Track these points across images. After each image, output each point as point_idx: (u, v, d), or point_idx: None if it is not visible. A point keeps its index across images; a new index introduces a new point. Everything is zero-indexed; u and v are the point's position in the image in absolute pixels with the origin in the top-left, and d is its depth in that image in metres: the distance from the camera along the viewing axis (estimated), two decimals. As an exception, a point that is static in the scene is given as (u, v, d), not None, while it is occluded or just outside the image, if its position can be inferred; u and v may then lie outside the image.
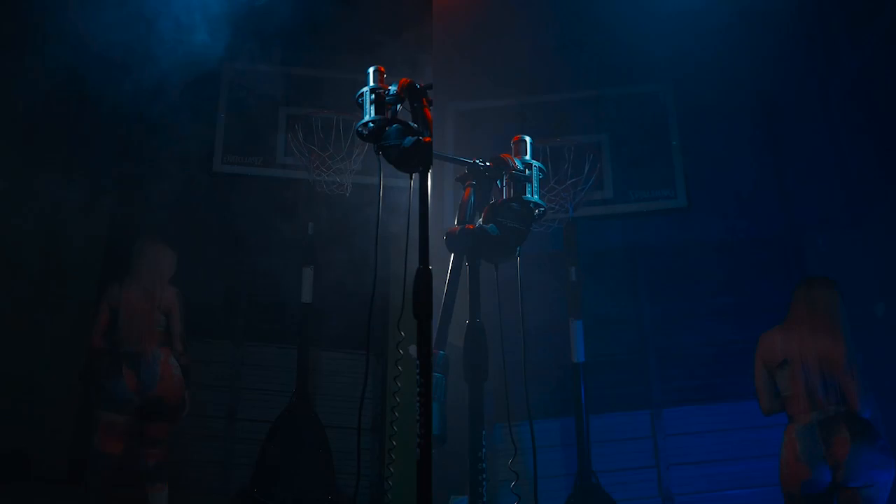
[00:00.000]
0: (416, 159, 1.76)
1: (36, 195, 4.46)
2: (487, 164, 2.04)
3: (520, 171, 2.01)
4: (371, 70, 1.85)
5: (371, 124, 1.81)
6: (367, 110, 1.82)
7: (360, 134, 1.86)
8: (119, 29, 4.14)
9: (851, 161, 4.96)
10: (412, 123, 1.80)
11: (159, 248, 4.25)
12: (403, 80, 1.84)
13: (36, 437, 4.39)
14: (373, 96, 1.82)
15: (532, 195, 2.00)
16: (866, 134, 4.83)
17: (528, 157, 2.05)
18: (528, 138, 2.08)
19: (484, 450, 1.75)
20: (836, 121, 5.04)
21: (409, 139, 1.76)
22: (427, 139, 1.77)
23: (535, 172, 2.04)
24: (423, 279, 1.65)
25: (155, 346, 4.09)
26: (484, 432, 1.78)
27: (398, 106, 1.84)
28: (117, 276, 4.19)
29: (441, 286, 1.85)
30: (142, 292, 4.13)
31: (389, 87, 1.85)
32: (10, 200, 4.31)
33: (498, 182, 2.05)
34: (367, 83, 1.85)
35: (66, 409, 4.55)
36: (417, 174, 1.77)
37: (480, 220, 1.98)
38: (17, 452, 4.38)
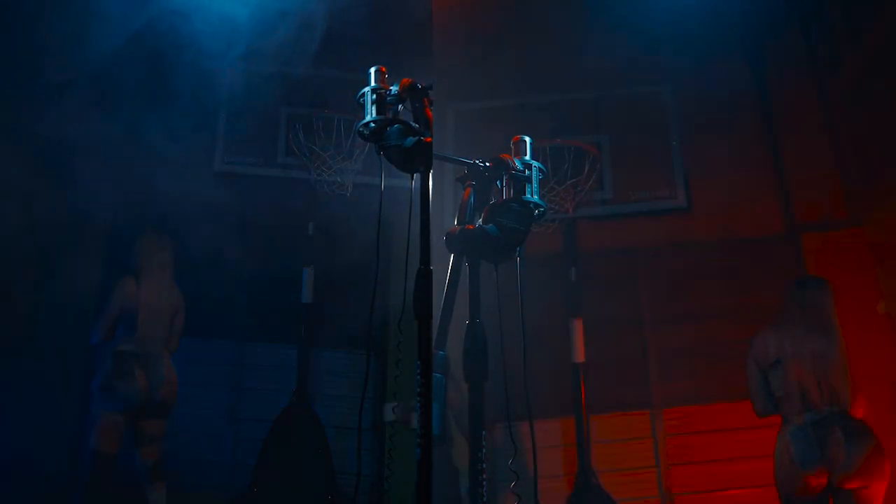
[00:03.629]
0: (417, 159, 1.76)
1: (35, 192, 4.46)
2: (487, 164, 2.04)
3: (520, 171, 2.01)
4: (372, 70, 1.86)
5: (372, 124, 1.81)
6: (369, 110, 1.82)
7: (361, 134, 1.86)
8: (120, 28, 4.15)
9: (851, 161, 4.96)
10: (413, 124, 1.80)
11: (165, 245, 4.26)
12: (405, 80, 1.84)
13: (36, 434, 4.39)
14: (374, 96, 1.83)
15: (532, 195, 2.00)
16: (866, 133, 4.83)
17: (527, 157, 2.04)
18: (527, 138, 2.08)
19: (484, 450, 1.75)
20: (837, 120, 5.05)
21: (411, 139, 1.76)
22: (428, 139, 1.77)
23: (534, 173, 2.04)
24: (424, 279, 1.65)
25: (163, 348, 4.11)
26: (484, 432, 1.78)
27: (399, 106, 1.84)
28: (131, 272, 4.19)
29: (441, 286, 1.86)
30: (161, 292, 4.14)
31: (391, 88, 1.85)
32: (9, 198, 4.31)
33: (498, 182, 2.05)
34: (368, 83, 1.85)
35: (67, 406, 4.56)
36: (418, 174, 1.77)
37: (480, 220, 1.98)
38: (18, 450, 4.37)
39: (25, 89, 4.40)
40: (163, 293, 4.18)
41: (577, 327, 4.60)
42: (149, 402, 4.01)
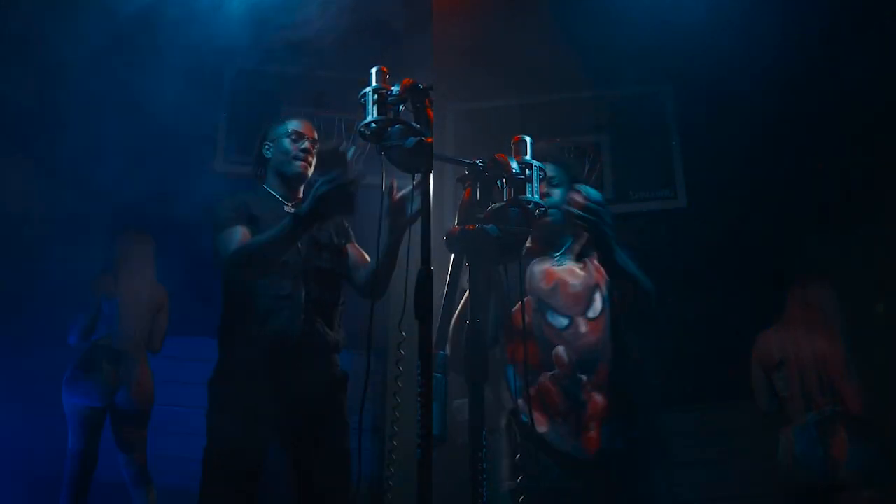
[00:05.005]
0: (418, 160, 1.76)
1: (36, 191, 4.46)
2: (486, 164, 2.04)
3: (516, 173, 2.00)
4: (374, 70, 1.86)
5: (373, 124, 1.81)
6: (370, 110, 1.82)
7: (362, 134, 1.86)
8: (120, 28, 4.15)
9: (852, 160, 4.96)
10: (414, 124, 1.80)
11: (147, 244, 4.25)
12: (406, 80, 1.84)
13: (34, 433, 4.39)
14: (375, 97, 1.83)
15: (532, 195, 2.00)
16: (867, 133, 4.83)
17: (528, 157, 2.04)
18: (528, 138, 2.08)
19: (484, 450, 1.75)
20: (837, 120, 5.04)
21: (412, 140, 1.76)
22: (429, 140, 1.77)
23: (535, 172, 2.03)
24: (425, 279, 1.65)
25: (140, 346, 4.08)
26: (484, 432, 1.78)
27: (400, 106, 1.84)
28: (110, 269, 4.18)
29: (441, 287, 1.85)
30: (141, 290, 4.12)
31: (392, 88, 1.85)
32: (9, 197, 4.32)
33: (498, 182, 2.04)
34: (369, 83, 1.86)
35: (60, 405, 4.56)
36: (419, 175, 1.77)
37: (490, 211, 1.97)
38: (16, 449, 4.38)
39: (25, 86, 4.41)
40: (143, 290, 4.15)
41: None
42: (118, 401, 3.95)
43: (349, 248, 2.90)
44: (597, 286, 2.50)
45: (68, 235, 4.55)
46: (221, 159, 5.11)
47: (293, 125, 2.90)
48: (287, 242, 2.44)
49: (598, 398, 2.35)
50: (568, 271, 2.54)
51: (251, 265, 2.53)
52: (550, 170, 2.53)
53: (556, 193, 2.56)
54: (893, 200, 4.55)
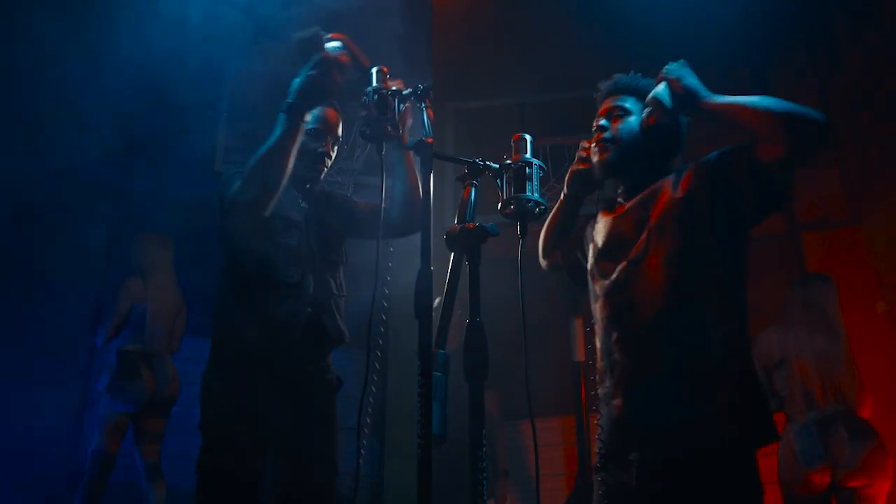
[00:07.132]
0: (418, 160, 1.77)
1: (37, 191, 4.46)
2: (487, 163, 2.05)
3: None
4: (374, 70, 1.86)
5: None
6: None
7: (362, 133, 1.87)
8: (120, 27, 4.15)
9: (851, 160, 4.96)
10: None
11: (168, 247, 4.30)
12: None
13: (36, 433, 4.39)
14: (375, 97, 1.83)
15: (533, 193, 2.00)
16: (866, 133, 4.83)
17: (528, 154, 2.05)
18: (528, 136, 2.08)
19: (484, 449, 1.75)
20: (837, 120, 5.04)
21: (412, 139, 1.77)
22: (429, 139, 1.78)
23: (535, 170, 2.04)
24: (424, 279, 1.65)
25: (166, 347, 4.16)
26: (484, 431, 1.79)
27: (401, 106, 1.85)
28: (135, 272, 4.22)
29: (441, 286, 1.86)
30: (166, 292, 4.18)
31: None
32: (11, 196, 4.32)
33: (498, 181, 2.05)
34: (369, 83, 1.86)
35: (66, 405, 4.56)
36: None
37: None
38: (18, 450, 4.38)
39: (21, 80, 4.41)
40: (167, 293, 4.23)
41: (577, 326, 4.60)
42: (154, 402, 4.04)
43: (354, 204, 2.68)
44: (643, 221, 2.20)
45: (68, 234, 4.55)
46: (221, 159, 5.11)
47: (312, 119, 2.57)
48: (288, 144, 2.23)
49: (624, 359, 2.03)
50: (618, 210, 2.31)
51: (261, 189, 2.28)
52: (630, 103, 2.42)
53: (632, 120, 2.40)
54: (893, 198, 4.55)
